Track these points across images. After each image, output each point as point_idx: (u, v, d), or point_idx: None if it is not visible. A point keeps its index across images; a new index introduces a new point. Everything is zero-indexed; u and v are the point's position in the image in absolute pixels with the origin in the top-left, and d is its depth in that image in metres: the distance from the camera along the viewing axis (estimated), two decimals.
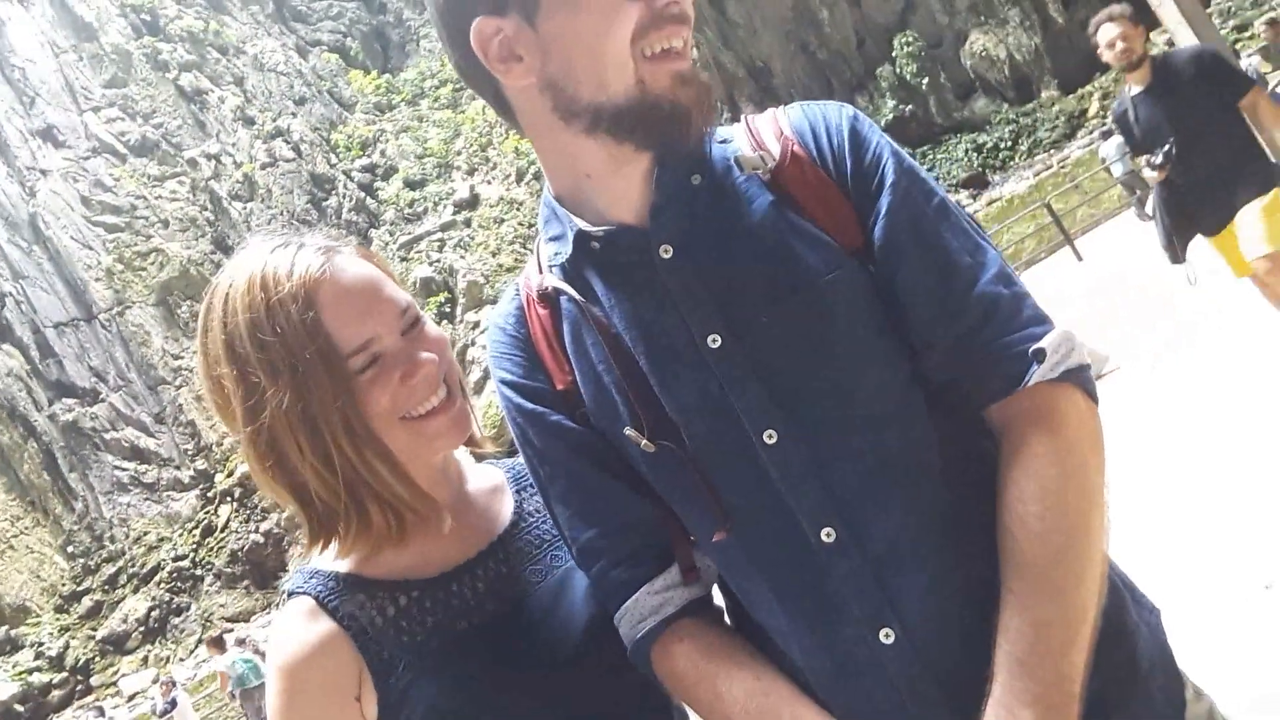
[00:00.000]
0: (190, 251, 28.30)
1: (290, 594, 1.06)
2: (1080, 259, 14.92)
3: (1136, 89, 4.33)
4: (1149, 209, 14.31)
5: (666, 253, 1.00)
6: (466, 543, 1.10)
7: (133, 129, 30.08)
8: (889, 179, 0.98)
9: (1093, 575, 0.88)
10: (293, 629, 1.01)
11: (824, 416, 0.97)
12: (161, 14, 31.79)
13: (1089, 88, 25.65)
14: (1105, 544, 0.91)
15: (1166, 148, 4.22)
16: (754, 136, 1.05)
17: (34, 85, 30.69)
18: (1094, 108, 24.58)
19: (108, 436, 27.13)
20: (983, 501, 0.94)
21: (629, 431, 0.99)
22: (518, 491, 1.20)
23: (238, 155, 30.13)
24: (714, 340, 0.98)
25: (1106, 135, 15.28)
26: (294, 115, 31.89)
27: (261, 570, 24.48)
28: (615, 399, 1.02)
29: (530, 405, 1.06)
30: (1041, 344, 0.92)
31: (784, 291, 0.97)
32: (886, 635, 0.93)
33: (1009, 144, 26.53)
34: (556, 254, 1.06)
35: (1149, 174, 4.46)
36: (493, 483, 1.20)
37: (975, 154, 26.75)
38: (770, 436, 0.97)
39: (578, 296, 1.04)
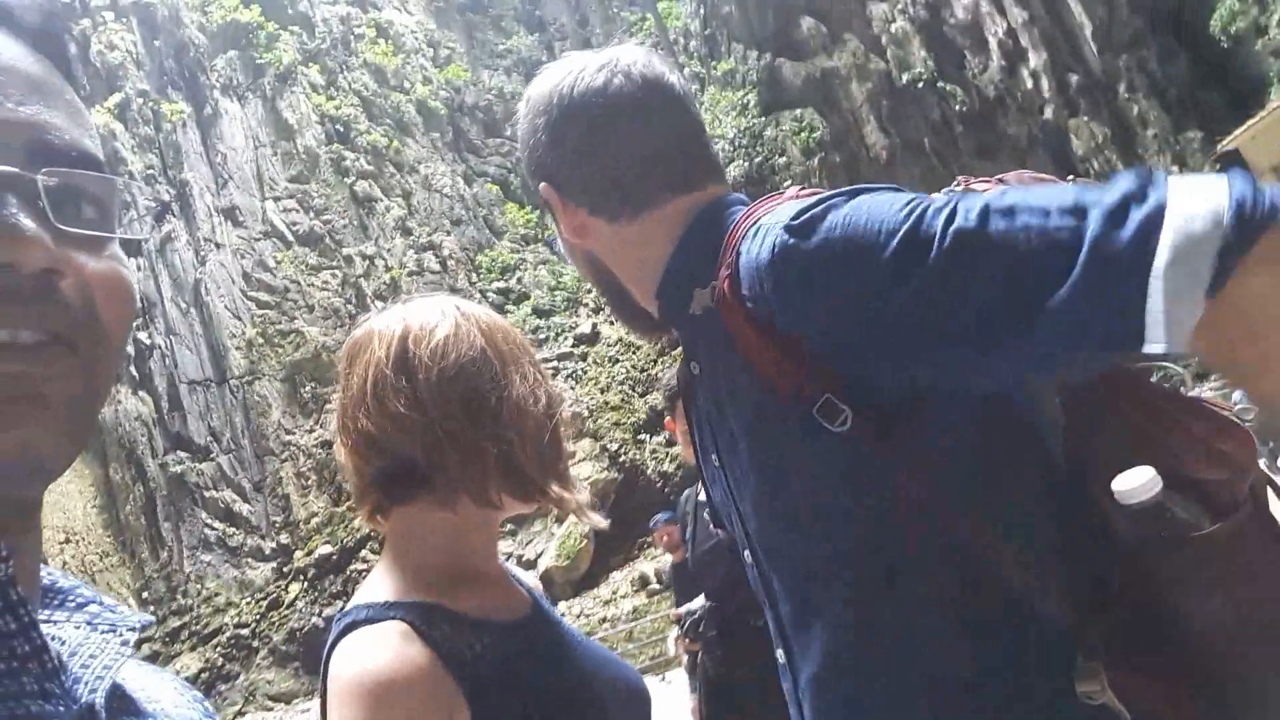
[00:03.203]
0: (326, 338, 29.98)
1: (360, 623, 0.99)
2: None
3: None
4: None
5: (695, 369, 1.12)
6: (517, 602, 1.16)
7: (303, 221, 32.71)
8: (844, 318, 0.89)
9: None
10: (386, 650, 0.94)
11: (771, 553, 1.04)
12: (354, 127, 35.05)
13: None
14: None
15: (698, 613, 3.00)
16: (730, 240, 1.02)
17: (230, 170, 33.96)
18: None
19: (207, 495, 28.21)
20: (890, 651, 0.95)
21: (706, 513, 1.15)
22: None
23: (390, 260, 32.22)
24: (715, 459, 1.09)
25: None
26: (448, 233, 34.07)
27: (314, 655, 24.28)
28: None
29: None
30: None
31: (729, 434, 1.04)
32: None
33: None
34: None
35: (670, 640, 3.01)
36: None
37: None
38: (748, 556, 1.08)
39: (685, 380, 1.20)
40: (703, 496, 3.11)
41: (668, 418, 3.09)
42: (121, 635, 0.65)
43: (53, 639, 0.62)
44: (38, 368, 0.54)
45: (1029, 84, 24.97)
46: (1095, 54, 23.81)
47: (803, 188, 1.05)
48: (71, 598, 0.67)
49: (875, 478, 0.92)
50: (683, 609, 3.02)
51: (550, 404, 1.11)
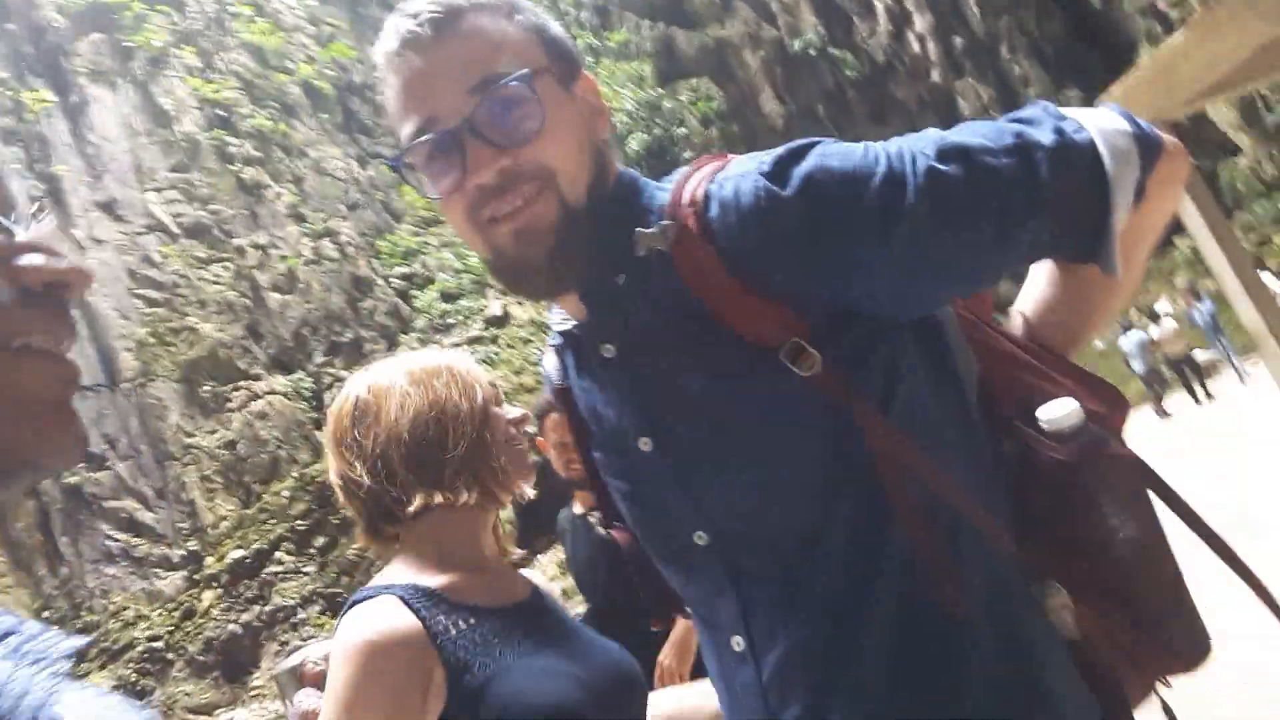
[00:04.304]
0: (222, 334, 28.91)
1: (361, 600, 1.17)
2: None
3: (579, 509, 3.19)
4: (1166, 406, 14.43)
5: (608, 352, 1.02)
6: (514, 589, 1.31)
7: (188, 212, 31.34)
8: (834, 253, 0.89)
9: None
10: (378, 616, 1.12)
11: (742, 529, 0.98)
12: (236, 111, 33.69)
13: None
14: None
15: (580, 617, 2.83)
16: (677, 193, 0.98)
17: (105, 162, 32.22)
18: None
19: (106, 505, 27.00)
20: (890, 635, 0.92)
21: (592, 516, 1.09)
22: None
23: (284, 249, 31.18)
24: (645, 443, 1.00)
25: (1126, 329, 15.58)
26: (344, 219, 33.13)
27: (234, 663, 23.77)
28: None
29: None
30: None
31: (691, 400, 0.96)
32: None
33: None
34: (555, 336, 1.13)
35: None
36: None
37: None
38: (701, 538, 0.99)
39: (555, 382, 1.14)
40: (579, 509, 3.12)
41: (539, 438, 3.09)
42: (52, 666, 0.57)
43: None
44: None
45: (916, 48, 25.55)
46: (978, 16, 24.49)
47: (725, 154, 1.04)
48: None
49: (845, 424, 0.91)
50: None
51: (416, 420, 1.25)
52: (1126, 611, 0.93)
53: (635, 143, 27.51)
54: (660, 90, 28.43)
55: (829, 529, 0.93)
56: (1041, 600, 0.96)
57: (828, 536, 0.93)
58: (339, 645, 1.10)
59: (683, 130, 27.66)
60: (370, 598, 1.17)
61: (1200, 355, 15.37)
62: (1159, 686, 1.01)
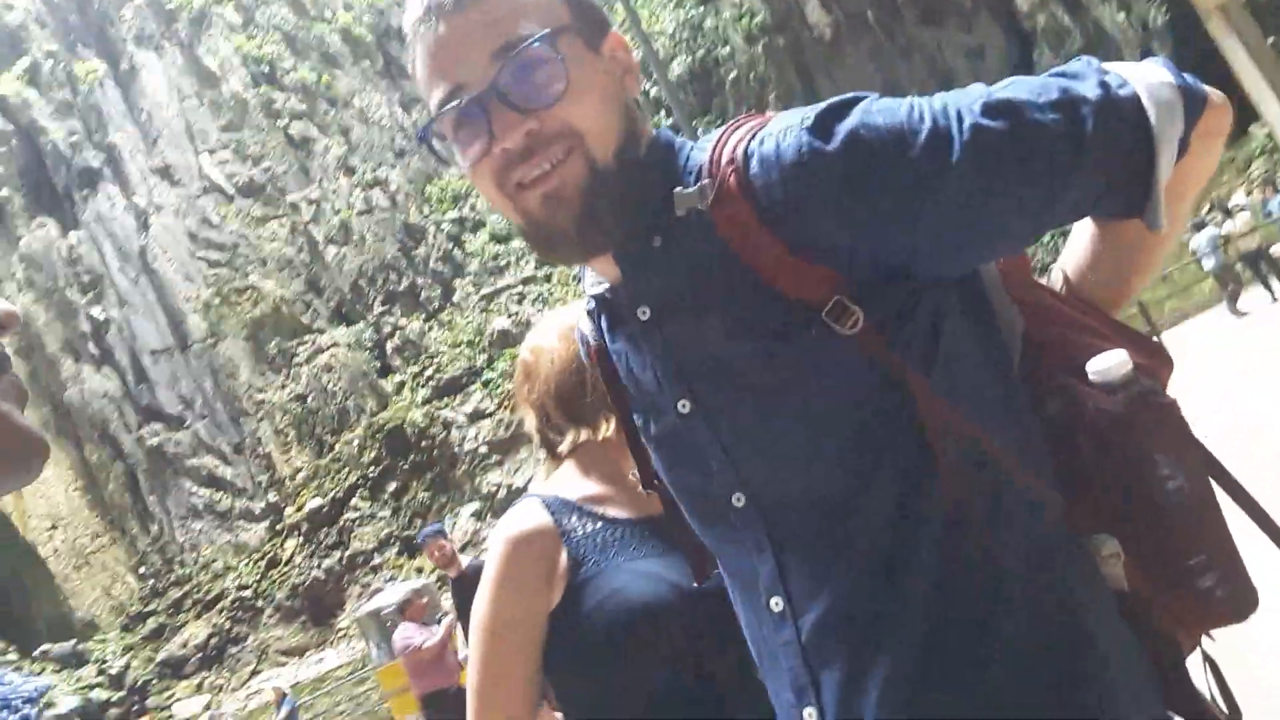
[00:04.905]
0: (284, 291, 29.46)
1: (522, 500, 1.46)
2: None
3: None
4: (1240, 305, 13.72)
5: (644, 314, 1.02)
6: (652, 503, 1.37)
7: (242, 171, 31.74)
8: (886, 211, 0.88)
9: None
10: (523, 514, 1.40)
11: (782, 491, 0.98)
12: (279, 66, 33.73)
13: None
14: None
15: None
16: (716, 152, 0.98)
17: (157, 127, 32.73)
18: None
19: (188, 463, 28.11)
20: (931, 593, 0.92)
21: (631, 475, 1.15)
22: None
23: (337, 202, 31.45)
24: (683, 405, 1.01)
25: (1199, 227, 14.76)
26: (393, 167, 33.20)
27: (319, 607, 24.79)
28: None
29: None
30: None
31: (730, 360, 0.96)
32: (810, 714, 0.96)
33: None
34: (589, 300, 1.14)
35: None
36: None
37: (1061, 239, 26.11)
38: (739, 500, 1.00)
39: (592, 342, 1.15)
40: None
41: None
42: (19, 710, 0.60)
43: None
44: None
45: None
46: None
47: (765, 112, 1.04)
48: None
49: (887, 383, 0.91)
50: None
51: (563, 372, 1.48)
52: (1173, 562, 0.93)
53: (678, 66, 26.83)
54: (701, 8, 27.53)
55: (870, 488, 0.93)
56: (1091, 553, 0.96)
57: (868, 496, 0.93)
58: (493, 537, 1.41)
59: (726, 49, 26.84)
60: (525, 499, 1.44)
61: (1278, 250, 14.49)
62: (1204, 639, 1.02)
